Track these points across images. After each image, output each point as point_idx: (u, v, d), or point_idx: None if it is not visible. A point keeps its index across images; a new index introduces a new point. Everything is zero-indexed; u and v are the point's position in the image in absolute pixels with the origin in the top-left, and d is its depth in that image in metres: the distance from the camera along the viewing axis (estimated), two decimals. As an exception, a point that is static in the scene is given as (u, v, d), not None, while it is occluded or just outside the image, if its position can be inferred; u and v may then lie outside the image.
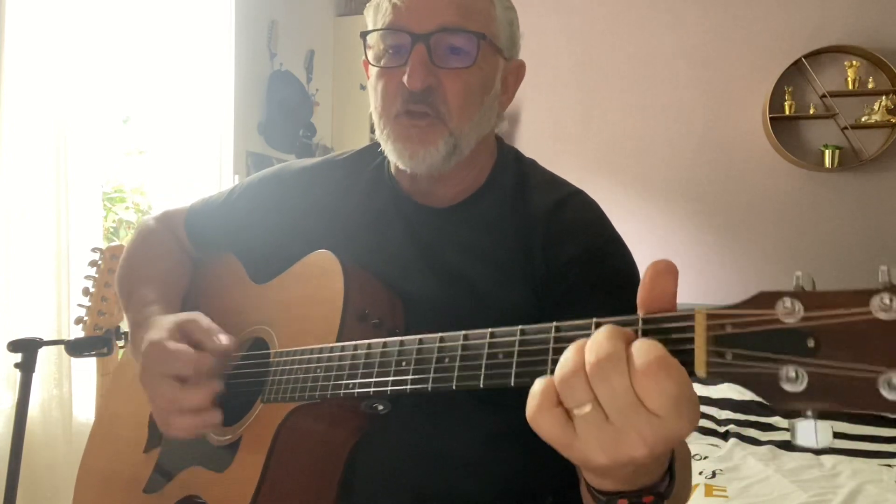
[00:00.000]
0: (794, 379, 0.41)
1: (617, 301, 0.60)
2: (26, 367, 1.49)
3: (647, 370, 0.43)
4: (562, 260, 0.81)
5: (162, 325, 0.83)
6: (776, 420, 2.80)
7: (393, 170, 0.91)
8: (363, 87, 3.71)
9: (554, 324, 0.53)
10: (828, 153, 3.52)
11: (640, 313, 0.48)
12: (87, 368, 2.16)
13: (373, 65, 0.83)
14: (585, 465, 0.49)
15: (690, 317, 0.45)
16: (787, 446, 2.60)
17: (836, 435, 2.65)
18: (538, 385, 0.47)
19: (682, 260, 3.82)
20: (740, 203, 3.72)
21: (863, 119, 3.51)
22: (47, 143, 2.12)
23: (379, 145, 0.86)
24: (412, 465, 0.82)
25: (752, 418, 2.83)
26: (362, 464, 0.81)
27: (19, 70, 2.04)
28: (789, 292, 0.42)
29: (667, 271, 0.48)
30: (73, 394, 2.16)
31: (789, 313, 0.41)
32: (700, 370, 0.45)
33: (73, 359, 2.05)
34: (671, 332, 0.46)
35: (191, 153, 2.83)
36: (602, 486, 0.52)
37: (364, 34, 0.84)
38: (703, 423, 2.82)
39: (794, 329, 0.41)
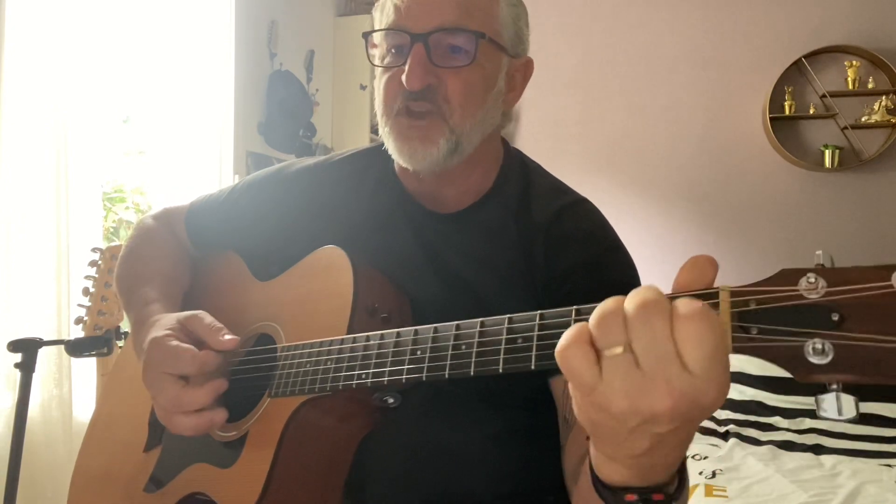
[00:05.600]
0: (820, 351, 0.42)
1: None
2: (26, 367, 1.49)
3: (691, 316, 0.42)
4: (562, 267, 0.82)
5: (164, 322, 0.83)
6: (776, 420, 2.80)
7: (398, 170, 0.91)
8: (363, 87, 3.70)
9: (574, 307, 0.53)
10: (828, 153, 3.52)
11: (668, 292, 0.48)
12: (87, 368, 2.17)
13: (376, 64, 0.85)
14: (599, 425, 0.47)
15: (715, 294, 0.46)
16: (787, 446, 2.60)
17: (836, 435, 2.65)
18: (573, 327, 0.46)
19: (682, 260, 3.80)
20: (740, 203, 3.72)
21: (863, 119, 3.51)
22: (47, 143, 2.12)
23: (384, 145, 0.87)
24: (420, 464, 0.82)
25: (752, 418, 2.83)
26: (371, 464, 0.81)
27: (19, 70, 2.04)
28: (811, 269, 0.43)
29: (708, 263, 0.48)
30: (73, 394, 2.16)
31: (812, 289, 0.43)
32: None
33: (73, 359, 2.05)
34: None
35: (191, 153, 2.83)
36: (610, 477, 0.51)
37: (366, 34, 0.85)
38: (703, 422, 2.83)
39: (818, 304, 0.42)
